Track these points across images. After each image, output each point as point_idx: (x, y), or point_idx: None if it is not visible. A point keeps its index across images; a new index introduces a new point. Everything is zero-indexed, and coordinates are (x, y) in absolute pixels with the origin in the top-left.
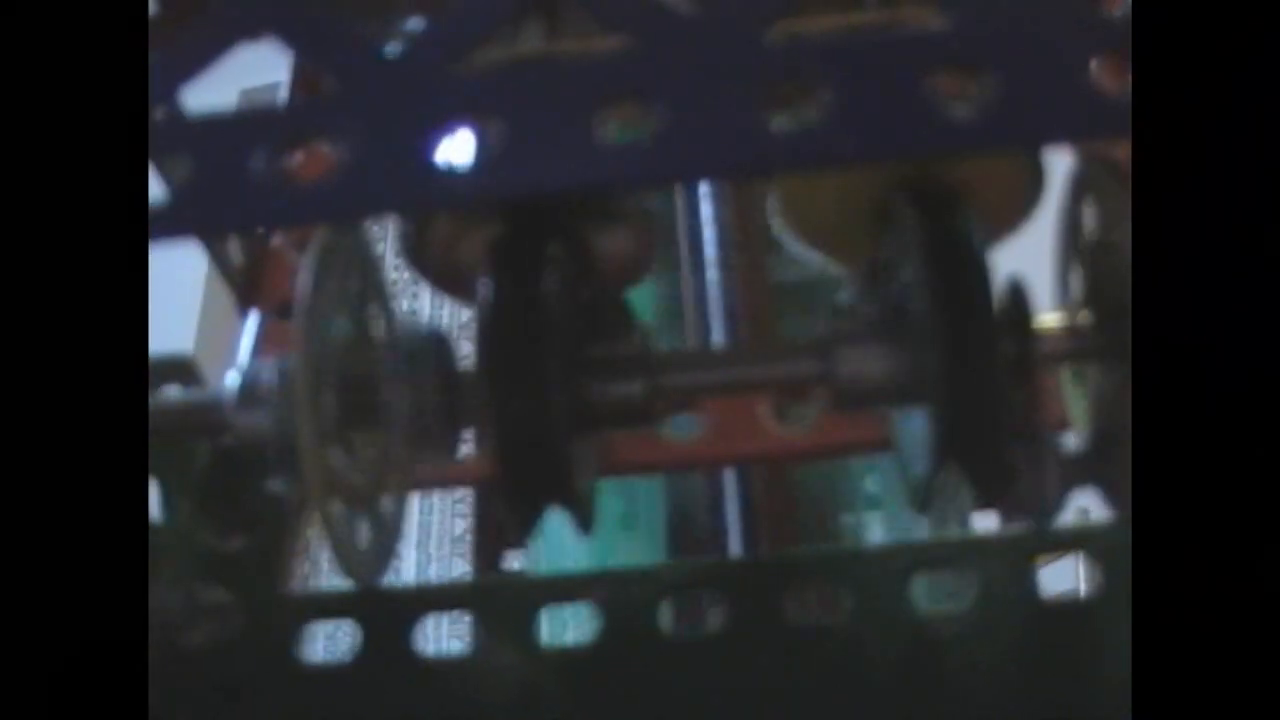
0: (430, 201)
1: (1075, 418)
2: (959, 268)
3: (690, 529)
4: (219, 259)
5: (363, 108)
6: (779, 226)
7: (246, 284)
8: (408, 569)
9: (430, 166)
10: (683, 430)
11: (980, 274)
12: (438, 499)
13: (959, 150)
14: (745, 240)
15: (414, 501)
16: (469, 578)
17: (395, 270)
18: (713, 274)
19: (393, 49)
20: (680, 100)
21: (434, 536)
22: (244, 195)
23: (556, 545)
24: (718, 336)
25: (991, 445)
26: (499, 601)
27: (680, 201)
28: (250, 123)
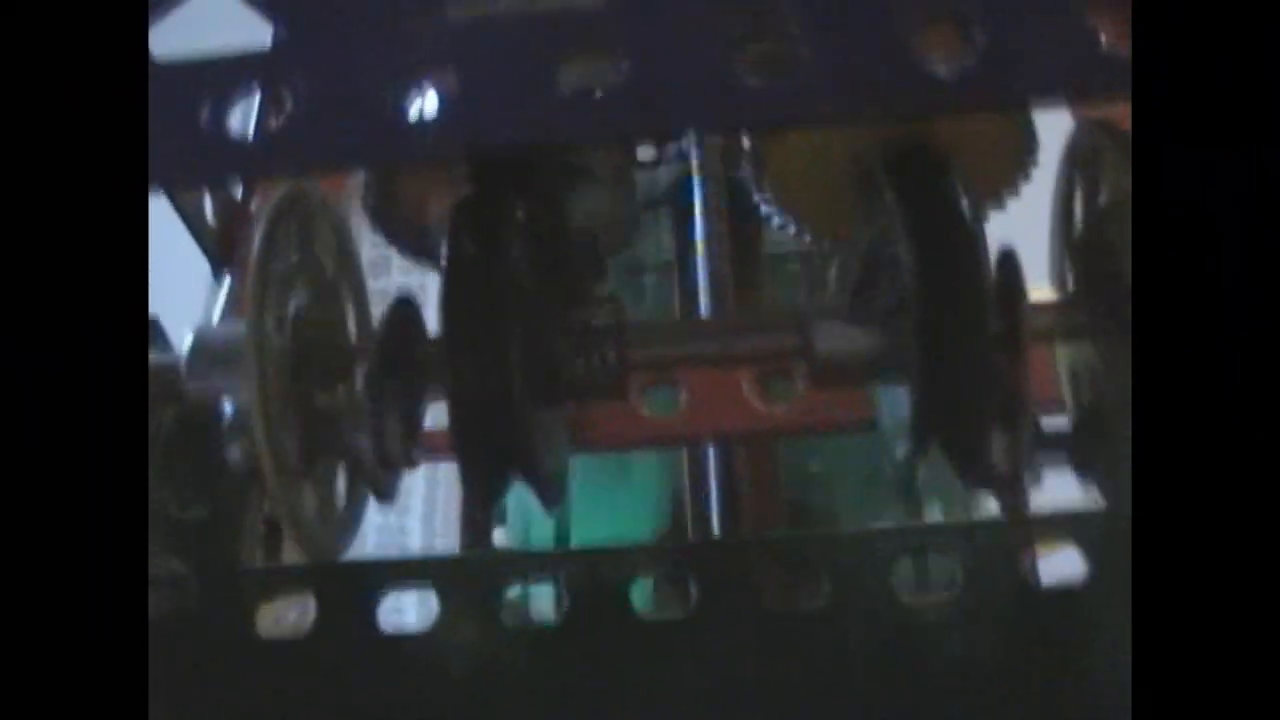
0: (389, 154)
1: (1066, 396)
2: (941, 238)
3: (679, 508)
4: (191, 220)
5: (322, 58)
6: (758, 197)
7: (220, 245)
8: (413, 543)
9: (392, 118)
10: (663, 405)
11: (965, 245)
12: (443, 473)
13: (944, 108)
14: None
15: (419, 475)
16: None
17: (374, 248)
18: (700, 244)
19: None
20: (644, 52)
21: (440, 511)
22: (191, 147)
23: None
24: (704, 310)
25: (973, 425)
26: (462, 577)
27: (668, 170)
28: (199, 72)
